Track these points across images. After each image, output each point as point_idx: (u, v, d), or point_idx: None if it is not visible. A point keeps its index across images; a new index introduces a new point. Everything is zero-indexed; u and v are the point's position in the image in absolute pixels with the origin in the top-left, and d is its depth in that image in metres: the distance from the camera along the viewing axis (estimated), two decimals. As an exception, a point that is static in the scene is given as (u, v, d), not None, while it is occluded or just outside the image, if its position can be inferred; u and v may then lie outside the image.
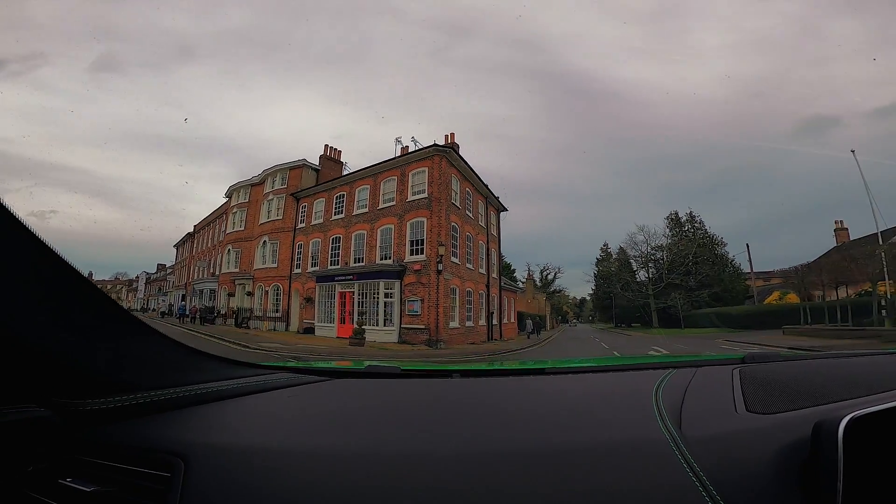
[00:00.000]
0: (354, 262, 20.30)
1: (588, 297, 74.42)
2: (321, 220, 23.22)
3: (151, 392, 0.84)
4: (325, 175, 25.45)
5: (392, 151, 21.21)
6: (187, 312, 29.71)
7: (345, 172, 24.76)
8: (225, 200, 32.24)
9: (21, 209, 0.56)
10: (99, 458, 0.76)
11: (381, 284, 18.28)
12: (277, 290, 24.85)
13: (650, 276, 44.93)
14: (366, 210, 20.79)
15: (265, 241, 26.10)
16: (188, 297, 35.09)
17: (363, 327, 15.98)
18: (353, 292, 19.15)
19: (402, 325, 17.58)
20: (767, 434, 0.68)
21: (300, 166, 25.95)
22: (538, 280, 60.94)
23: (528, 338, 26.73)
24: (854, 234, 33.49)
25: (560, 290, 73.09)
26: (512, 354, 15.20)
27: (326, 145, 27.37)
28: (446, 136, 21.59)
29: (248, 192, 29.05)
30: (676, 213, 47.89)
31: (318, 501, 0.63)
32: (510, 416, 0.88)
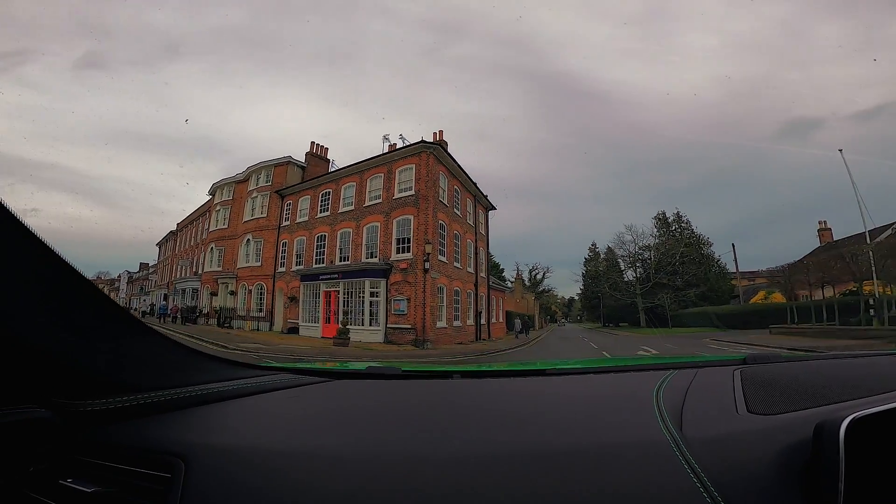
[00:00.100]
0: (340, 261, 19.90)
1: (576, 297, 74.73)
2: (306, 218, 22.76)
3: (152, 393, 0.84)
4: (311, 172, 24.96)
5: (380, 149, 20.85)
6: (168, 312, 29.02)
7: (331, 170, 24.34)
8: (209, 198, 31.58)
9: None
10: (99, 459, 0.76)
11: (367, 283, 17.92)
12: (261, 289, 24.34)
13: (638, 275, 45.19)
14: (352, 208, 20.40)
15: (249, 239, 25.54)
16: (170, 297, 34.31)
17: (347, 327, 15.60)
18: (339, 291, 18.76)
19: (388, 325, 17.24)
20: (769, 435, 0.68)
21: (285, 163, 25.43)
22: (527, 280, 61.00)
23: (517, 337, 26.59)
24: (837, 235, 34.02)
25: (549, 290, 73.32)
26: (500, 354, 14.96)
27: (313, 142, 26.86)
28: (434, 133, 21.29)
29: (231, 190, 28.43)
30: (664, 213, 48.35)
31: (318, 502, 0.64)
32: (511, 418, 0.88)
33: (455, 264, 20.54)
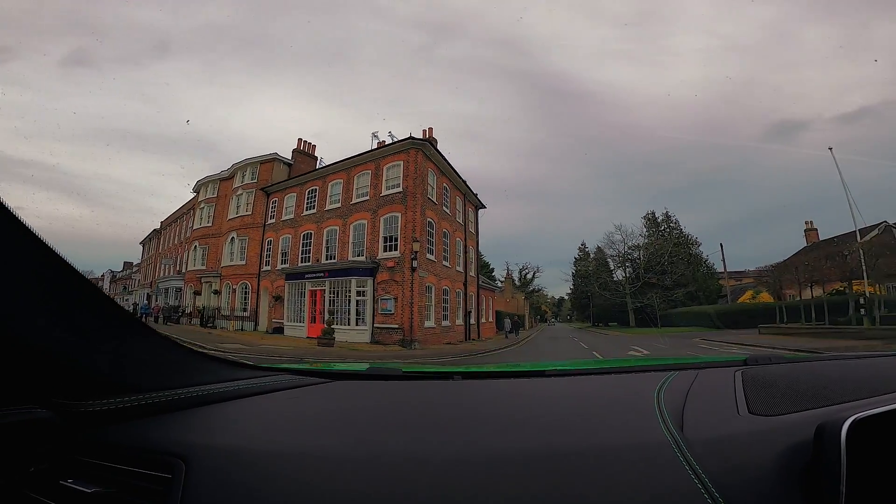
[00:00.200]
0: (326, 259, 19.48)
1: (566, 297, 74.89)
2: (292, 216, 22.29)
3: (152, 393, 0.84)
4: (297, 170, 24.45)
5: (369, 147, 20.45)
6: (150, 312, 28.36)
7: (318, 167, 23.88)
8: (193, 196, 30.92)
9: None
10: (100, 459, 0.76)
11: (353, 282, 17.53)
12: (245, 288, 23.81)
13: (627, 275, 45.26)
14: (338, 205, 19.99)
15: (233, 237, 24.99)
16: (153, 296, 33.60)
17: (332, 327, 15.22)
18: (324, 290, 18.33)
19: (375, 325, 16.88)
20: (770, 436, 0.68)
21: (271, 160, 24.91)
22: (517, 279, 60.87)
23: (507, 337, 26.39)
24: (822, 236, 34.34)
25: (538, 290, 73.19)
26: (490, 354, 14.70)
27: (300, 139, 26.39)
28: (424, 130, 21.06)
29: (216, 187, 27.84)
30: (653, 213, 48.47)
31: (318, 503, 0.64)
32: (511, 419, 0.88)
33: (444, 263, 20.22)
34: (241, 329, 22.20)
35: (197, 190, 29.83)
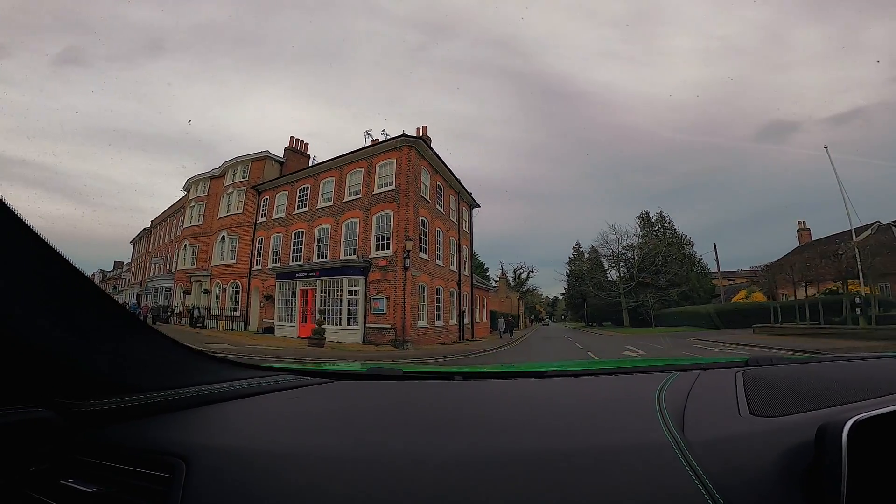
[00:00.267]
0: (318, 258, 19.18)
1: (560, 297, 74.86)
2: (283, 214, 21.95)
3: (153, 393, 0.84)
4: (289, 168, 24.12)
5: (363, 146, 20.17)
6: (139, 311, 27.94)
7: (311, 165, 23.57)
8: (183, 194, 30.48)
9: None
10: (100, 459, 0.76)
11: (345, 281, 17.25)
12: (236, 287, 23.45)
13: (621, 275, 45.33)
14: (330, 203, 19.69)
15: (224, 236, 24.61)
16: (143, 296, 33.14)
17: (323, 327, 14.94)
18: (316, 290, 18.05)
19: (367, 325, 16.62)
20: (771, 437, 0.68)
21: (263, 158, 24.57)
22: (511, 279, 60.71)
23: (501, 337, 26.25)
24: (815, 236, 34.47)
25: (533, 290, 73.11)
26: (484, 355, 14.51)
27: (292, 137, 26.05)
28: (418, 128, 20.79)
29: (207, 185, 27.44)
30: (647, 213, 48.58)
31: None
32: (512, 419, 0.88)
33: (437, 262, 19.98)
34: (232, 329, 21.84)
35: (187, 188, 29.41)
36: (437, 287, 19.69)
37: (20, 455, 0.70)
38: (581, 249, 54.21)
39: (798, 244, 35.28)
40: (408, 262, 16.29)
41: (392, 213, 17.23)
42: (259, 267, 22.46)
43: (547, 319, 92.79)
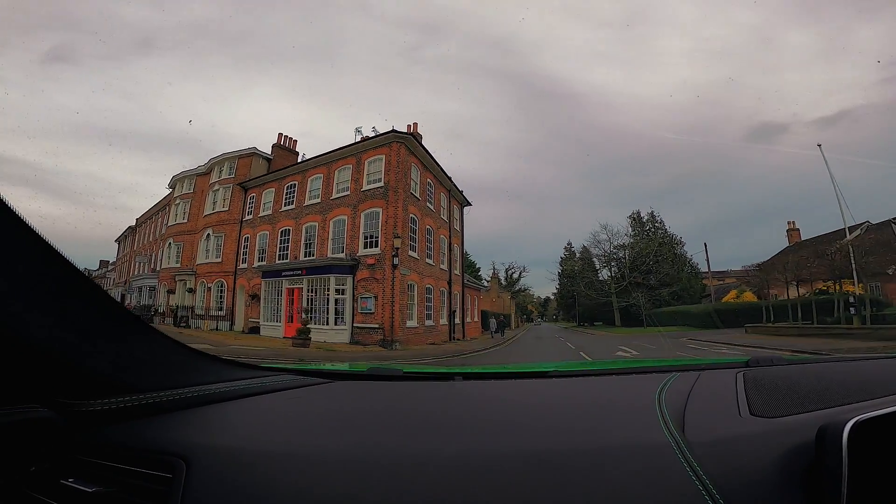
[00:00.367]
0: (305, 257, 18.74)
1: (552, 296, 74.90)
2: (270, 212, 21.47)
3: (153, 393, 0.84)
4: (277, 165, 23.59)
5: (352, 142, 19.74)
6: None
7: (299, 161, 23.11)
8: (169, 192, 29.82)
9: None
10: (101, 459, 0.76)
11: (332, 280, 16.84)
12: (221, 286, 22.89)
13: (613, 274, 45.25)
14: (318, 200, 19.26)
15: (209, 234, 24.05)
16: (127, 296, 32.41)
17: (308, 326, 14.52)
18: (302, 289, 17.61)
19: (355, 325, 16.23)
20: (771, 438, 0.68)
21: (250, 155, 24.05)
22: (503, 279, 60.49)
23: (492, 337, 25.93)
24: (804, 236, 34.61)
25: (525, 289, 72.99)
26: (475, 355, 14.22)
27: (280, 133, 25.54)
28: (409, 125, 20.39)
29: (192, 183, 26.82)
30: (638, 213, 48.48)
31: None
32: (512, 420, 0.87)
33: (427, 261, 19.65)
34: (217, 329, 21.29)
35: (173, 186, 28.76)
36: (427, 286, 19.35)
37: (20, 455, 0.70)
38: (573, 249, 54.02)
39: (788, 244, 35.42)
40: (396, 261, 15.94)
41: (381, 210, 16.86)
42: (245, 265, 21.97)
43: (539, 319, 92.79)
